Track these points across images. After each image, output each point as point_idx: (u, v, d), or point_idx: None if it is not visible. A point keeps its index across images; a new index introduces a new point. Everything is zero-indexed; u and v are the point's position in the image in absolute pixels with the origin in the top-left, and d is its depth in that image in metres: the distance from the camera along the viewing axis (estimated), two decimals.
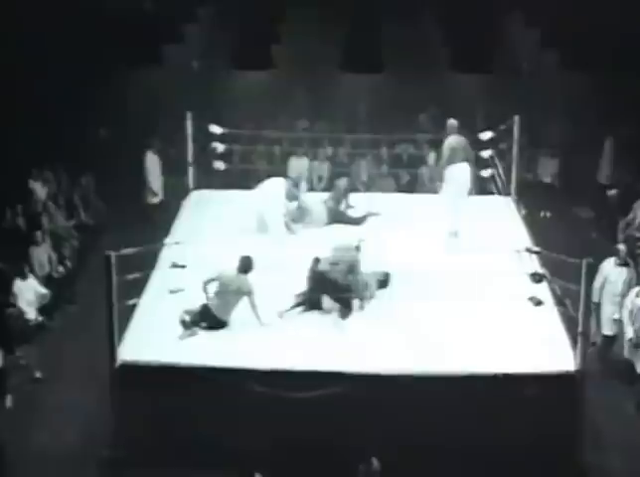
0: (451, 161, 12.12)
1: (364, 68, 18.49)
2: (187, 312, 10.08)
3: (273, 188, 12.42)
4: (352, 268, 10.58)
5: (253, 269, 10.16)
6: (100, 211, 15.89)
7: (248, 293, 10.08)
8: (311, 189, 14.25)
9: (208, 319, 10.09)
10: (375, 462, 8.57)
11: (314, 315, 10.46)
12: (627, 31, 17.05)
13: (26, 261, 12.59)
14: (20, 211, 13.89)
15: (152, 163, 15.79)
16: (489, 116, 16.98)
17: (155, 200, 15.77)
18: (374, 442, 9.36)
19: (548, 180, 17.04)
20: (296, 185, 12.81)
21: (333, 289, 10.47)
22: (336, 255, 10.63)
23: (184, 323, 10.04)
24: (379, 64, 18.67)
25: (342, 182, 13.34)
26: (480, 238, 12.15)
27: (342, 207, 13.11)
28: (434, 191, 15.03)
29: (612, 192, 16.06)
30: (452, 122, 12.28)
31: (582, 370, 9.42)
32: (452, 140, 12.08)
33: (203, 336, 10.00)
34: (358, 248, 10.85)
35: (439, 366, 9.47)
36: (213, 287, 10.13)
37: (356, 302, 10.55)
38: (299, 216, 12.63)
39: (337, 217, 12.86)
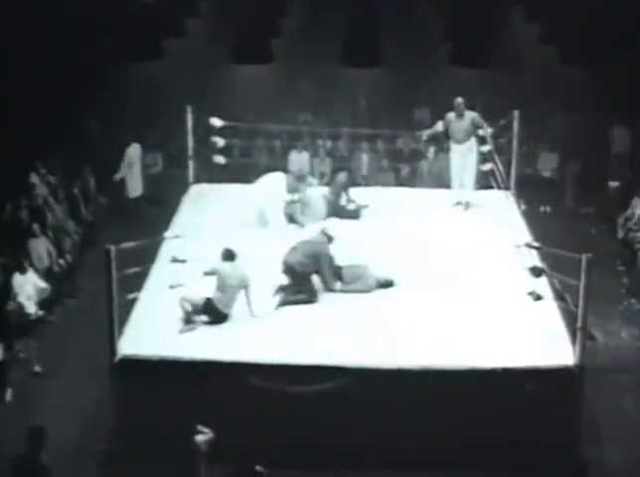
0: (452, 139, 12.95)
1: (363, 61, 18.48)
2: (186, 300, 10.07)
3: (273, 182, 12.44)
4: (318, 258, 10.64)
5: (238, 257, 10.20)
6: (101, 205, 15.89)
7: (246, 286, 10.11)
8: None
9: (211, 313, 10.11)
10: (203, 436, 8.41)
11: (314, 310, 10.48)
12: (627, 25, 17.03)
13: (25, 255, 12.60)
14: (20, 205, 13.89)
15: (134, 155, 15.57)
16: (489, 111, 16.99)
17: (136, 193, 15.65)
18: (373, 436, 9.41)
19: (547, 174, 17.04)
20: (299, 178, 12.83)
21: (299, 279, 10.60)
22: (300, 246, 10.72)
23: (186, 313, 10.05)
24: (378, 58, 18.66)
25: (341, 176, 13.34)
26: (480, 233, 12.17)
27: (342, 201, 13.10)
28: (434, 185, 15.12)
29: (614, 185, 16.10)
30: (458, 101, 12.85)
31: (581, 364, 9.44)
32: (452, 118, 12.91)
33: (203, 330, 10.00)
34: (329, 239, 10.87)
35: (439, 360, 9.48)
36: (213, 282, 10.15)
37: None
38: (300, 209, 12.63)
39: (336, 211, 12.86)
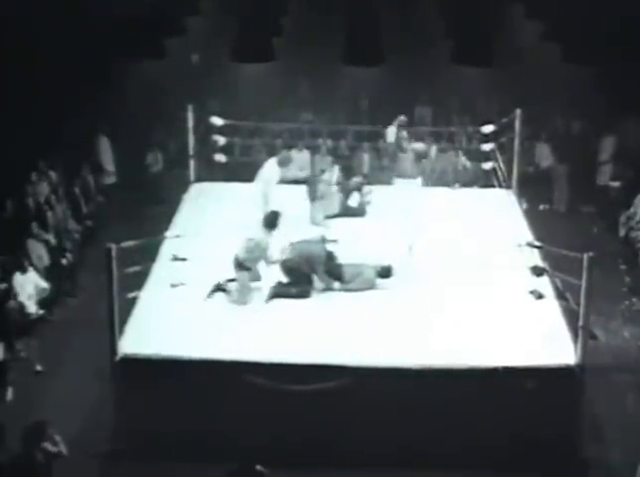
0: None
1: (364, 60, 18.46)
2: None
3: (268, 169, 12.36)
4: (311, 259, 10.66)
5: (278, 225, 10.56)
6: (101, 204, 15.89)
7: (266, 258, 10.45)
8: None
9: (240, 267, 10.37)
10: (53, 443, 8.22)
11: (315, 309, 10.47)
12: (630, 23, 16.99)
13: (25, 255, 12.58)
14: (22, 203, 13.89)
15: (104, 146, 16.47)
16: (491, 109, 17.00)
17: (110, 180, 16.54)
18: (373, 435, 9.40)
19: (545, 166, 16.96)
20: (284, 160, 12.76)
21: (296, 277, 10.66)
22: (296, 245, 10.77)
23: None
24: (379, 56, 18.64)
25: (355, 180, 13.32)
26: (481, 232, 12.16)
27: (350, 202, 13.10)
28: (435, 183, 15.10)
29: (615, 184, 16.06)
30: (403, 135, 12.40)
31: (582, 363, 9.43)
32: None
33: (204, 328, 9.99)
34: (324, 241, 10.99)
35: (440, 359, 9.48)
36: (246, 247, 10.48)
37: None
38: (316, 204, 12.62)
39: (344, 210, 12.87)
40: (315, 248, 10.78)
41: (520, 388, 9.34)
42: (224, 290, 10.56)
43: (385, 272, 10.90)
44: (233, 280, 10.59)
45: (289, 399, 9.35)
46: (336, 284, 10.81)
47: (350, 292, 10.76)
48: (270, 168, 12.29)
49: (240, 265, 10.44)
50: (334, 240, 11.39)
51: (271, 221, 10.55)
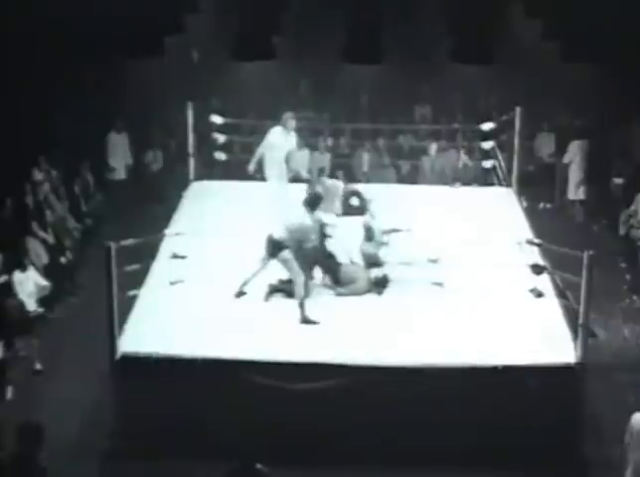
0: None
1: (364, 58, 18.44)
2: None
3: (272, 135, 12.27)
4: (303, 233, 10.45)
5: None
6: (101, 202, 15.88)
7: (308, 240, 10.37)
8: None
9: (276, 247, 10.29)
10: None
11: (315, 307, 10.45)
12: (630, 22, 16.98)
13: (24, 253, 12.57)
14: (21, 202, 13.88)
15: (115, 142, 16.47)
16: (490, 107, 16.99)
17: (117, 176, 16.55)
18: (374, 434, 9.40)
19: (546, 160, 16.95)
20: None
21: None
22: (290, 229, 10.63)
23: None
24: (380, 54, 18.63)
25: (348, 187, 13.17)
26: (481, 230, 12.15)
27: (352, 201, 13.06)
28: (435, 181, 15.11)
29: (617, 181, 16.05)
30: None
31: (583, 362, 9.42)
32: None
33: (204, 326, 9.97)
34: (323, 226, 10.83)
35: (440, 358, 9.47)
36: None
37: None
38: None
39: (345, 209, 12.84)
40: (308, 223, 10.51)
41: (519, 386, 9.33)
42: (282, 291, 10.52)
43: (381, 282, 10.86)
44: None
45: (289, 398, 9.35)
46: (328, 282, 10.74)
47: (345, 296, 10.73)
48: (274, 133, 12.16)
49: (278, 246, 10.13)
50: (332, 225, 11.21)
51: (313, 202, 10.36)
